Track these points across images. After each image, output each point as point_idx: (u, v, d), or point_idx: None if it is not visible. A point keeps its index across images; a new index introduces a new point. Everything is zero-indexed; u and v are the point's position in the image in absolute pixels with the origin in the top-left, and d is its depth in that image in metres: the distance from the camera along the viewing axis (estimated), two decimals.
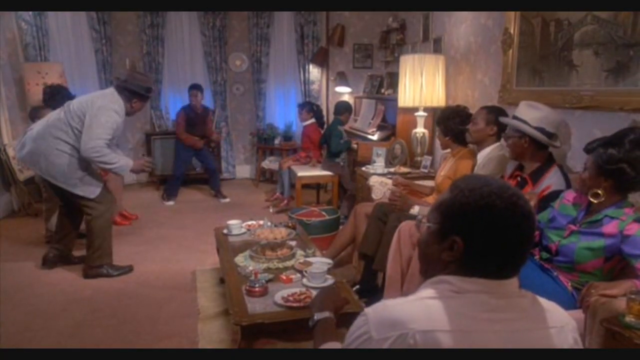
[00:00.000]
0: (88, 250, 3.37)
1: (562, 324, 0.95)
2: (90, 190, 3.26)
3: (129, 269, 3.47)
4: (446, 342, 0.85)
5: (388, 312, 0.90)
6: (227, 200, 5.54)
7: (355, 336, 0.92)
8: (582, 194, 1.99)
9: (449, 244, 0.93)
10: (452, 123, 3.10)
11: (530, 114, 2.39)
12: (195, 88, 5.48)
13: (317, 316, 1.33)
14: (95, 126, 3.09)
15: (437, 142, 4.43)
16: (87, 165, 3.23)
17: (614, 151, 1.81)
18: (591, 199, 1.88)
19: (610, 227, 1.84)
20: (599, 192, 1.86)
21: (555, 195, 2.22)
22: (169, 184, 5.61)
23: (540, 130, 2.34)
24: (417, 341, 0.84)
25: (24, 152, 3.20)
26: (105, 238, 3.39)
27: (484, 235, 0.90)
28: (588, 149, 1.93)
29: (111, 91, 3.29)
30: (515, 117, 2.46)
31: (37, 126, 3.24)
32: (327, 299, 1.41)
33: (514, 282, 0.94)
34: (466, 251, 0.92)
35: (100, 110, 3.12)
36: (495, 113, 2.85)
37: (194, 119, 5.52)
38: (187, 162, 5.65)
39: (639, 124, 2.23)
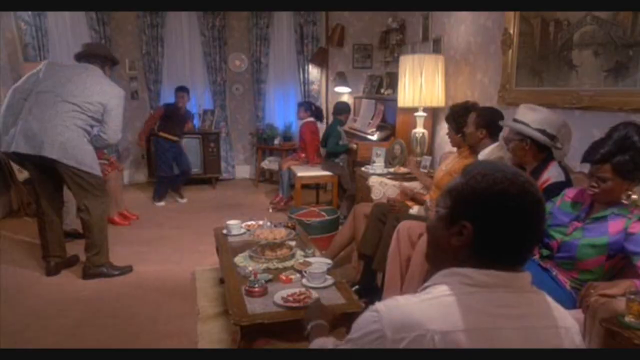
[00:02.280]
0: (88, 251, 3.35)
1: (568, 325, 0.95)
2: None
3: (128, 269, 3.46)
4: (466, 342, 0.83)
5: (403, 310, 0.87)
6: (185, 200, 5.54)
7: (364, 332, 0.88)
8: (603, 203, 1.96)
9: (458, 229, 0.92)
10: (462, 120, 3.05)
11: (531, 116, 2.38)
12: (182, 90, 5.52)
13: (311, 324, 1.32)
14: (119, 114, 3.30)
15: (437, 142, 4.44)
16: None
17: (633, 154, 1.80)
18: (626, 202, 1.87)
19: (616, 225, 1.84)
20: (633, 194, 1.86)
21: (554, 186, 2.22)
22: (157, 185, 5.56)
23: (542, 132, 2.34)
24: (435, 343, 0.83)
25: (55, 149, 3.08)
26: (105, 236, 3.40)
27: (495, 221, 0.89)
28: (598, 160, 1.87)
29: (92, 67, 3.31)
30: (515, 120, 2.45)
31: (48, 123, 3.10)
32: (318, 311, 1.39)
33: (527, 276, 0.93)
34: (476, 237, 0.90)
35: (119, 96, 3.30)
36: (484, 117, 2.82)
37: (174, 117, 5.47)
38: (167, 162, 5.48)
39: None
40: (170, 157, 5.48)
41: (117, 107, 3.27)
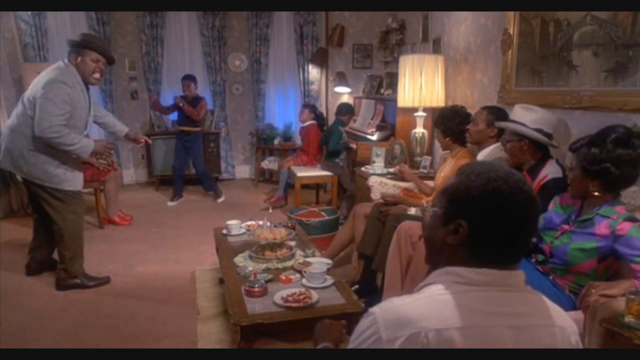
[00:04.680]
0: (61, 260, 3.17)
1: (565, 325, 0.95)
2: (76, 182, 3.13)
3: (105, 280, 3.28)
4: (459, 339, 0.84)
5: (397, 310, 0.88)
6: (222, 199, 5.53)
7: (362, 338, 0.89)
8: (573, 196, 1.99)
9: (454, 227, 0.93)
10: (452, 124, 3.09)
11: (527, 117, 2.40)
12: (187, 79, 5.44)
13: (318, 347, 1.31)
14: (46, 104, 2.84)
15: (437, 143, 4.43)
16: (66, 159, 3.04)
17: (596, 151, 1.82)
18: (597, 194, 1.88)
19: (602, 228, 1.83)
20: (594, 191, 1.86)
21: (552, 182, 2.23)
22: (173, 183, 5.61)
23: (539, 131, 2.36)
24: (429, 340, 0.83)
25: (4, 155, 3.02)
26: (79, 244, 3.22)
27: (489, 219, 0.90)
28: (572, 149, 1.94)
29: (59, 64, 3.00)
30: (511, 121, 2.47)
31: (4, 128, 3.05)
32: (323, 332, 1.38)
33: (520, 274, 0.94)
34: (471, 235, 0.92)
35: (47, 85, 2.86)
36: (496, 114, 2.85)
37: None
38: (180, 156, 5.54)
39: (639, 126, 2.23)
40: (182, 151, 5.52)
41: (43, 96, 2.85)
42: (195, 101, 5.47)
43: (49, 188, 3.05)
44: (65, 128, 2.89)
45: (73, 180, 3.11)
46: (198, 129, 5.55)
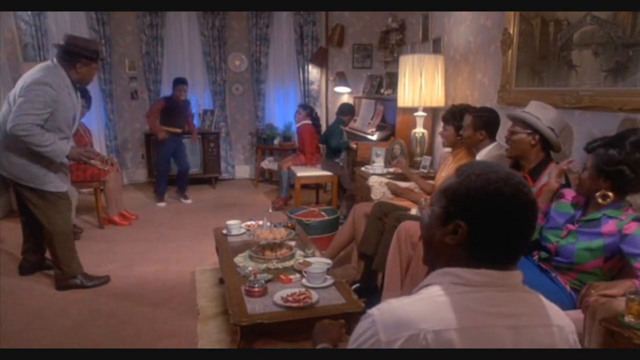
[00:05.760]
0: (55, 262, 3.15)
1: (563, 324, 0.96)
2: (59, 183, 3.06)
3: (105, 280, 3.26)
4: (458, 340, 0.84)
5: (396, 312, 0.88)
6: (189, 201, 5.50)
7: (361, 340, 0.89)
8: (579, 194, 2.00)
9: (452, 228, 0.93)
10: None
11: (545, 114, 2.38)
12: (182, 82, 5.42)
13: (317, 348, 1.32)
14: (23, 102, 2.81)
15: (437, 142, 4.43)
16: (48, 160, 2.97)
17: (614, 152, 1.82)
18: (600, 201, 1.87)
19: (609, 227, 1.84)
20: (609, 194, 1.86)
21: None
22: (155, 183, 5.56)
23: (552, 130, 2.35)
24: (428, 341, 0.84)
25: None
26: (69, 243, 3.19)
27: (488, 220, 0.90)
28: (589, 149, 1.93)
29: (47, 64, 2.97)
30: (526, 113, 2.43)
31: None
32: (321, 333, 1.38)
33: (518, 274, 0.94)
34: (470, 236, 0.91)
35: (31, 85, 2.83)
36: (482, 118, 2.83)
37: (174, 109, 5.40)
38: (165, 158, 5.49)
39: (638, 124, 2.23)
40: (170, 152, 5.45)
41: (23, 95, 2.82)
42: (187, 104, 5.51)
43: (32, 188, 3.01)
44: (38, 128, 2.83)
45: (57, 182, 3.06)
46: (181, 131, 5.51)
